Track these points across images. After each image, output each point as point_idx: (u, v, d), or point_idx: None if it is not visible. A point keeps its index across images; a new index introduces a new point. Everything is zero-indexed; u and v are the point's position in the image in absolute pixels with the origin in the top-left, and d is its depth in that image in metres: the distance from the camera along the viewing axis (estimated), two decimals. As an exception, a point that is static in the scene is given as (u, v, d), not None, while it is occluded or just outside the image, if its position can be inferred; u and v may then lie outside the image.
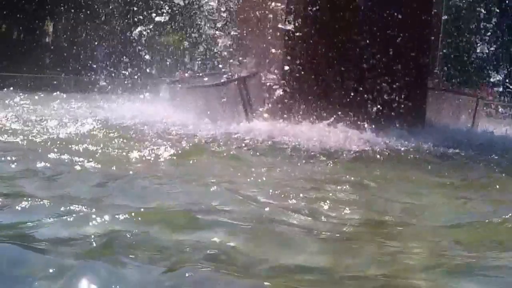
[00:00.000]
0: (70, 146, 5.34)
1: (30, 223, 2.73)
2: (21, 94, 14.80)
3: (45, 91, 16.32)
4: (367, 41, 8.15)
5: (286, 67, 8.06)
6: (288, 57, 8.11)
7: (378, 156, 5.77)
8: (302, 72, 8.04)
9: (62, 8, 28.07)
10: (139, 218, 2.87)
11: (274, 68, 8.23)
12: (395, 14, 8.27)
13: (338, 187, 4.09)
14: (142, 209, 3.12)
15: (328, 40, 8.11)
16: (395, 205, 3.66)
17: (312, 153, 5.79)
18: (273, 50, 8.30)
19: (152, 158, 4.88)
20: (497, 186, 4.62)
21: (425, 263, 2.46)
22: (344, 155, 5.78)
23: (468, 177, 5.02)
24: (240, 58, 9.28)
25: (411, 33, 8.43)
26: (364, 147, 6.38)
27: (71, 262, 2.16)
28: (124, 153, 5.09)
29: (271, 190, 3.82)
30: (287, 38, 8.13)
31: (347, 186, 4.14)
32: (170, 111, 9.66)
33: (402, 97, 8.28)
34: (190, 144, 5.95)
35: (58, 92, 14.82)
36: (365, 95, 8.07)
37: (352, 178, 4.55)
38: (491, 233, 3.04)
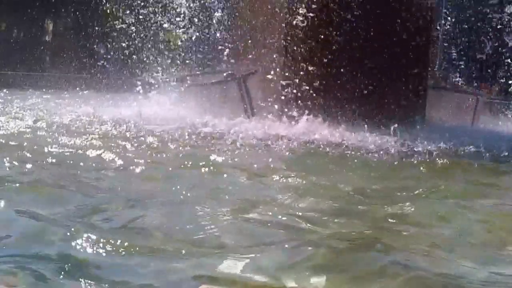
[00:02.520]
0: (74, 145, 5.35)
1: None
2: (21, 93, 14.82)
3: (46, 90, 16.31)
4: (368, 39, 8.16)
5: (287, 66, 8.07)
6: (289, 56, 8.12)
7: (376, 154, 5.77)
8: (302, 71, 8.04)
9: (62, 6, 28.07)
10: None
11: (275, 66, 8.24)
12: (397, 13, 8.28)
13: (336, 185, 4.09)
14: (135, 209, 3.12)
15: (328, 38, 8.11)
16: (394, 202, 3.66)
17: (308, 152, 5.79)
18: (274, 48, 8.31)
19: (141, 157, 4.87)
20: (497, 184, 4.63)
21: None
22: (343, 153, 5.78)
23: (467, 175, 5.01)
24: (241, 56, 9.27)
25: (412, 32, 8.44)
26: (363, 145, 6.38)
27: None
28: (127, 154, 5.09)
29: (272, 190, 3.82)
30: (289, 36, 8.14)
31: (346, 184, 4.14)
32: (170, 109, 9.65)
33: (402, 95, 8.30)
34: (189, 144, 5.95)
35: (59, 91, 14.82)
36: (365, 94, 8.08)
37: (351, 177, 4.55)
38: (492, 232, 3.04)
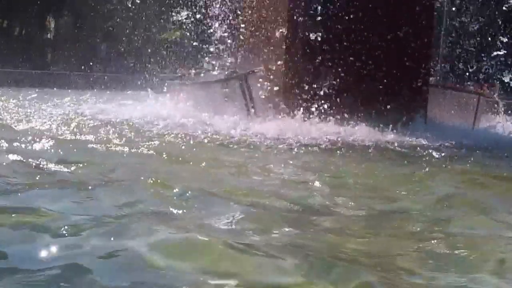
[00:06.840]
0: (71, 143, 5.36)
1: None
2: (23, 90, 14.84)
3: (48, 87, 16.33)
4: (370, 39, 8.17)
5: (288, 64, 8.09)
6: (290, 55, 8.14)
7: (377, 152, 5.78)
8: (303, 70, 8.06)
9: (62, 4, 28.12)
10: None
11: (276, 64, 8.25)
12: (399, 12, 8.31)
13: (336, 183, 4.11)
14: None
15: (331, 37, 8.13)
16: (394, 200, 3.68)
17: (309, 149, 5.80)
18: (275, 47, 8.32)
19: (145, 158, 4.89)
20: (497, 183, 4.63)
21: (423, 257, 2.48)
22: (343, 151, 5.79)
23: (467, 174, 5.02)
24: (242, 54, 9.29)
25: (414, 31, 8.46)
26: (363, 143, 6.40)
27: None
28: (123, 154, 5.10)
29: (274, 186, 3.84)
30: (290, 35, 8.15)
31: (346, 182, 4.16)
32: (171, 107, 9.68)
33: (404, 94, 8.31)
34: (190, 142, 5.97)
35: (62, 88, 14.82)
36: (367, 92, 8.10)
37: (351, 174, 4.56)
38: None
